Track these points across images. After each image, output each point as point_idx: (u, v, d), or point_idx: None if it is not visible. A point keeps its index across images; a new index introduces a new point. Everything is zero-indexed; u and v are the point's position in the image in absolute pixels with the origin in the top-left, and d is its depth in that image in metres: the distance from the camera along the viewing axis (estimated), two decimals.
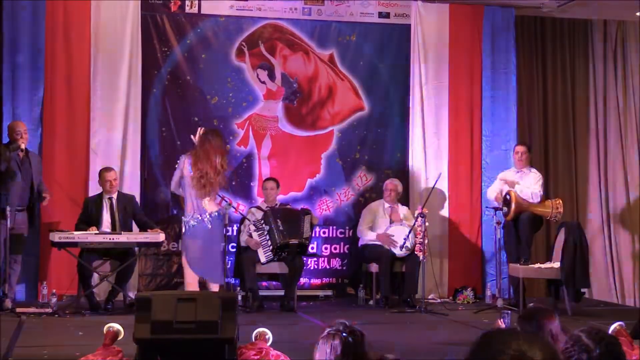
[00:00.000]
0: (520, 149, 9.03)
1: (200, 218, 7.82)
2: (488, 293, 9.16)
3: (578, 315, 8.00)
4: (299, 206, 9.05)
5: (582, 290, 8.54)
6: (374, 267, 8.81)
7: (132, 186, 8.89)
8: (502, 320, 4.62)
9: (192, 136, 8.09)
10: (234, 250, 8.93)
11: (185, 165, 7.85)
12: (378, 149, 9.67)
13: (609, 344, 2.93)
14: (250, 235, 8.50)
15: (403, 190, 9.26)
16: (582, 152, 10.20)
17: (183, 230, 8.00)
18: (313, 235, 8.92)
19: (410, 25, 9.63)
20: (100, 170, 8.43)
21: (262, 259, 8.43)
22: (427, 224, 8.48)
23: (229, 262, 8.83)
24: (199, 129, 8.08)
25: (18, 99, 8.74)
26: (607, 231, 10.14)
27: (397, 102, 9.71)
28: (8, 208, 7.77)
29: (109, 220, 8.26)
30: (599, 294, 9.86)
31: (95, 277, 8.25)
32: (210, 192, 7.79)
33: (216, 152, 7.86)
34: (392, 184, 9.08)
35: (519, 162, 8.96)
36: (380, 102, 9.69)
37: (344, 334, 2.89)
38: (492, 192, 9.02)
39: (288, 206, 8.99)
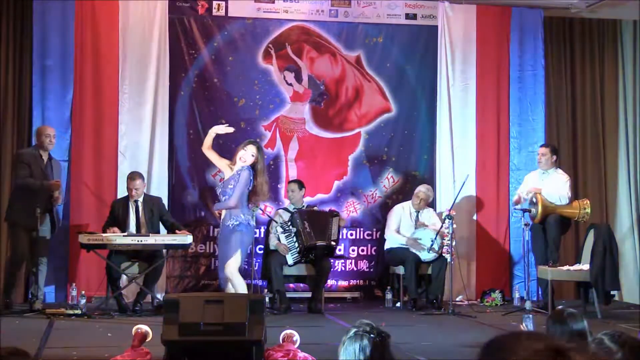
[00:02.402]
0: (541, 150, 8.98)
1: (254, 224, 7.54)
2: (516, 295, 9.11)
3: (608, 318, 7.93)
4: (326, 208, 9.05)
5: (612, 292, 8.46)
6: (400, 270, 8.79)
7: (160, 188, 8.94)
8: (524, 324, 4.59)
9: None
10: (262, 252, 8.94)
11: (248, 178, 7.19)
12: (405, 151, 9.65)
13: (632, 348, 2.89)
14: (279, 239, 8.51)
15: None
16: (611, 153, 10.11)
17: (235, 224, 7.10)
18: (340, 237, 8.92)
19: (437, 26, 9.60)
20: (127, 176, 8.45)
21: (289, 260, 8.44)
22: (454, 225, 8.44)
23: (257, 264, 8.85)
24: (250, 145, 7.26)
25: (47, 101, 8.82)
26: (637, 233, 10.03)
27: (424, 103, 9.69)
28: (38, 210, 7.84)
29: (135, 223, 8.31)
30: (630, 296, 9.75)
31: (124, 279, 8.31)
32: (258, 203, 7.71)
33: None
34: (425, 194, 8.94)
35: (539, 163, 8.93)
36: (407, 104, 9.67)
37: (372, 335, 2.88)
38: (516, 197, 8.98)
39: (315, 208, 9.00)
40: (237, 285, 7.02)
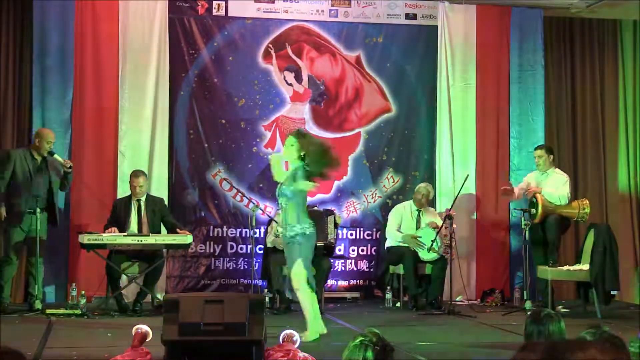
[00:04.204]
0: (536, 153, 8.98)
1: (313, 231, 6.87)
2: (516, 295, 9.11)
3: (608, 318, 7.92)
4: (326, 208, 9.05)
5: (612, 292, 8.45)
6: (400, 269, 8.79)
7: (160, 188, 8.93)
8: None
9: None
10: (261, 252, 8.94)
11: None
12: (405, 151, 9.65)
13: (613, 344, 2.90)
14: (277, 236, 8.51)
15: None
16: (611, 153, 10.10)
17: (291, 235, 6.68)
18: (340, 236, 8.91)
19: (437, 26, 9.59)
20: (130, 174, 8.47)
21: None
22: (454, 225, 8.43)
23: (256, 264, 8.85)
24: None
25: (47, 101, 8.81)
26: (638, 232, 10.03)
27: (424, 103, 9.69)
28: (38, 210, 7.84)
29: (137, 222, 8.31)
30: (630, 296, 9.75)
31: (124, 279, 8.31)
32: None
33: None
34: (426, 190, 8.97)
35: (538, 166, 8.94)
36: (407, 104, 9.67)
37: (377, 347, 2.87)
38: (515, 191, 8.99)
39: (315, 208, 8.99)
40: (301, 298, 6.68)
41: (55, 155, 8.15)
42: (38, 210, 7.85)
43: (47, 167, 8.19)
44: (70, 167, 8.17)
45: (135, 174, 8.40)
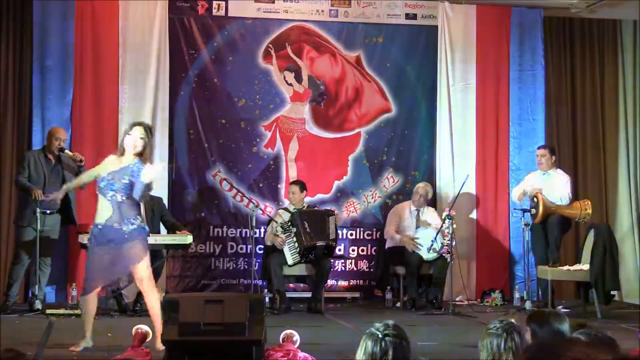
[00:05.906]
0: (539, 152, 8.99)
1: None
2: (516, 295, 9.10)
3: (608, 318, 7.92)
4: (326, 208, 9.05)
5: (612, 292, 8.45)
6: (401, 270, 8.79)
7: (160, 188, 8.91)
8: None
9: None
10: (261, 252, 8.94)
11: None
12: (405, 151, 9.65)
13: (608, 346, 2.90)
14: (276, 235, 8.51)
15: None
16: (611, 153, 10.10)
17: (132, 229, 5.95)
18: (340, 236, 8.92)
19: (437, 26, 9.60)
20: None
21: (289, 260, 8.44)
22: (454, 225, 8.43)
23: (256, 264, 8.85)
24: None
25: (47, 101, 8.81)
26: (637, 233, 10.03)
27: (424, 103, 9.69)
28: (38, 211, 7.84)
29: None
30: (630, 296, 9.74)
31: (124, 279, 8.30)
32: None
33: None
34: (424, 190, 8.98)
35: (540, 165, 8.94)
36: (407, 104, 9.67)
37: (395, 339, 2.86)
38: (515, 193, 9.00)
39: (315, 208, 9.00)
40: (152, 301, 5.95)
41: (66, 151, 8.16)
42: (38, 210, 7.84)
43: (61, 167, 8.18)
44: (81, 161, 8.15)
45: None
